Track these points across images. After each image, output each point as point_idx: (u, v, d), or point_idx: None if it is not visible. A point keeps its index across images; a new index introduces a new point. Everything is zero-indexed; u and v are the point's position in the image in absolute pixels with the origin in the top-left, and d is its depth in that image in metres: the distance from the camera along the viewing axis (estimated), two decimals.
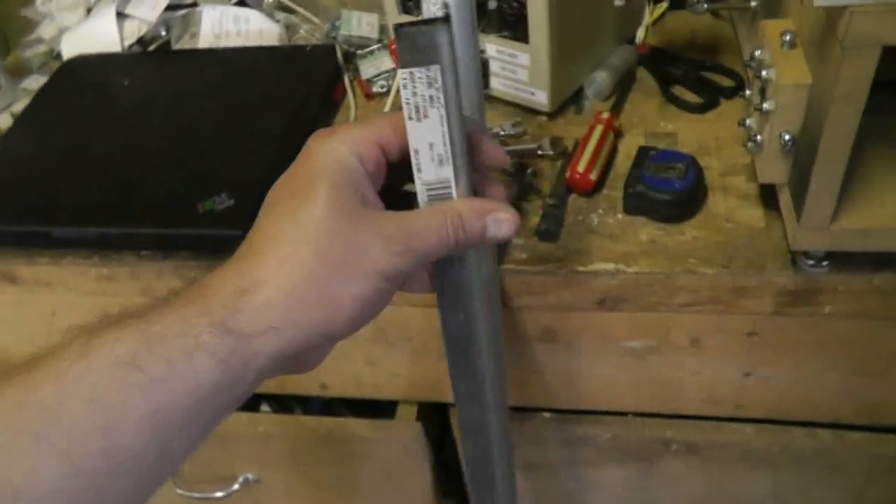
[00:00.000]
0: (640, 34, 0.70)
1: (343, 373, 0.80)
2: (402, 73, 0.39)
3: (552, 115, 0.78)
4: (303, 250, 0.37)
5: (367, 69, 0.88)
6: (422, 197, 0.42)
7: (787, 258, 0.63)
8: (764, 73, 0.59)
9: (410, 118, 0.40)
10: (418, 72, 0.39)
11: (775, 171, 0.61)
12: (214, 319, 0.35)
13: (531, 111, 0.78)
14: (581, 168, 0.69)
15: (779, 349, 0.68)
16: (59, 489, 0.31)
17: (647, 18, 0.69)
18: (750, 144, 0.62)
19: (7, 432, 0.31)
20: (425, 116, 0.40)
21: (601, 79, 0.77)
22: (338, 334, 0.39)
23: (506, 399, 0.64)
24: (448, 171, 0.41)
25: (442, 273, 0.47)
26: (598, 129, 0.72)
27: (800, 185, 0.58)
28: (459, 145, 0.41)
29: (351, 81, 0.89)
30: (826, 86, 0.53)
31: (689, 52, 0.83)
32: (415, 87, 0.39)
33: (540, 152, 0.74)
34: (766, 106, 0.59)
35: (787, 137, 0.58)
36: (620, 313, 0.66)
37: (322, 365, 0.77)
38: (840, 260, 0.61)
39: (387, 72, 0.88)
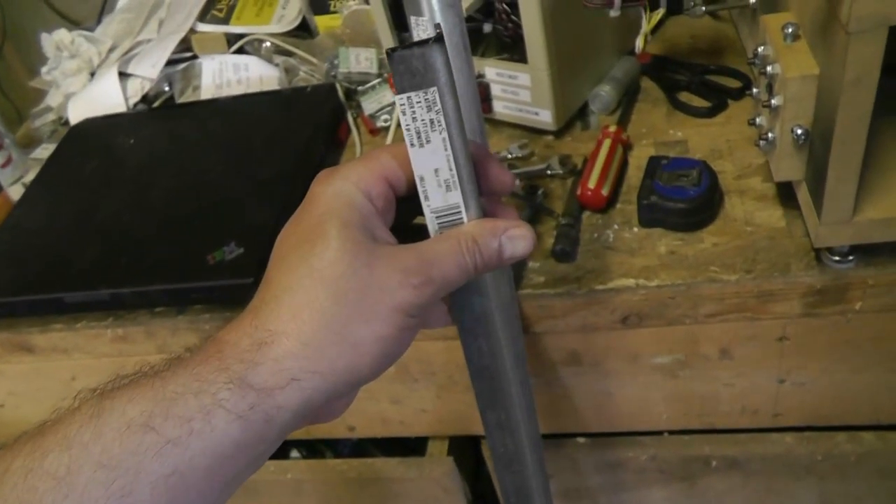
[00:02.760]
0: (639, 43, 0.69)
1: (369, 413, 0.78)
2: (399, 99, 0.38)
3: (559, 134, 0.77)
4: (319, 296, 0.35)
5: (369, 105, 0.88)
6: (432, 226, 0.40)
7: (811, 257, 0.61)
8: (769, 68, 0.58)
9: (413, 145, 0.38)
10: (416, 95, 0.38)
11: (790, 167, 0.59)
12: (232, 375, 0.34)
13: (537, 131, 0.77)
14: (592, 184, 0.67)
15: (811, 352, 0.66)
16: None
17: (645, 27, 0.68)
18: (762, 143, 0.60)
19: None
20: (427, 142, 0.38)
21: (605, 92, 0.76)
22: (363, 379, 0.37)
23: (537, 426, 0.62)
24: (457, 197, 0.40)
25: (460, 303, 0.46)
26: (607, 144, 0.70)
27: (817, 180, 0.57)
28: (466, 168, 0.39)
29: (354, 119, 0.88)
30: (834, 74, 0.51)
31: (693, 57, 0.82)
32: (414, 112, 0.38)
33: (549, 172, 0.72)
34: (774, 102, 0.57)
35: (799, 131, 0.56)
36: (645, 329, 0.64)
37: (351, 405, 0.77)
38: (866, 253, 0.59)
39: (389, 105, 0.87)
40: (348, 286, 0.36)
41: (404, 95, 0.37)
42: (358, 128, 0.87)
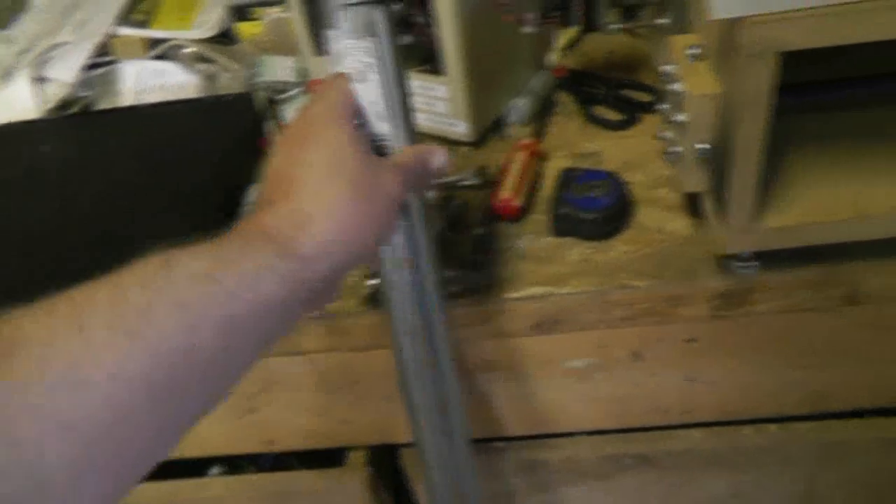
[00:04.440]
0: (552, 59, 0.71)
1: (290, 426, 0.78)
2: (346, 44, 0.49)
3: (476, 145, 0.78)
4: (341, 184, 0.44)
5: (290, 113, 0.88)
6: (371, 146, 0.49)
7: (717, 263, 0.64)
8: (675, 86, 0.61)
9: (355, 81, 0.50)
10: (359, 43, 0.49)
11: (696, 179, 0.62)
12: (279, 248, 0.41)
13: (455, 142, 0.79)
14: (505, 195, 0.69)
15: (719, 352, 0.69)
16: (150, 379, 0.35)
17: (559, 43, 0.70)
18: (669, 156, 0.63)
19: (106, 330, 0.35)
20: (366, 80, 0.50)
21: (521, 104, 0.78)
22: (367, 255, 0.46)
23: (467, 424, 0.64)
24: (387, 127, 0.50)
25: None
26: (521, 155, 0.72)
27: (720, 191, 0.60)
28: (396, 105, 0.50)
29: (276, 128, 0.88)
30: (734, 94, 0.54)
31: (608, 72, 0.84)
32: (357, 55, 0.49)
33: (465, 183, 0.74)
34: (679, 118, 0.60)
35: (702, 146, 0.59)
36: (559, 335, 0.66)
37: (269, 419, 0.77)
38: (769, 258, 0.62)
39: None
40: (362, 177, 0.45)
41: (350, 42, 0.49)
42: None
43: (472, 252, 0.67)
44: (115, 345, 0.34)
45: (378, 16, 0.49)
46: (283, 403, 0.76)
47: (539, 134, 0.77)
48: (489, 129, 0.79)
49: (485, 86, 0.75)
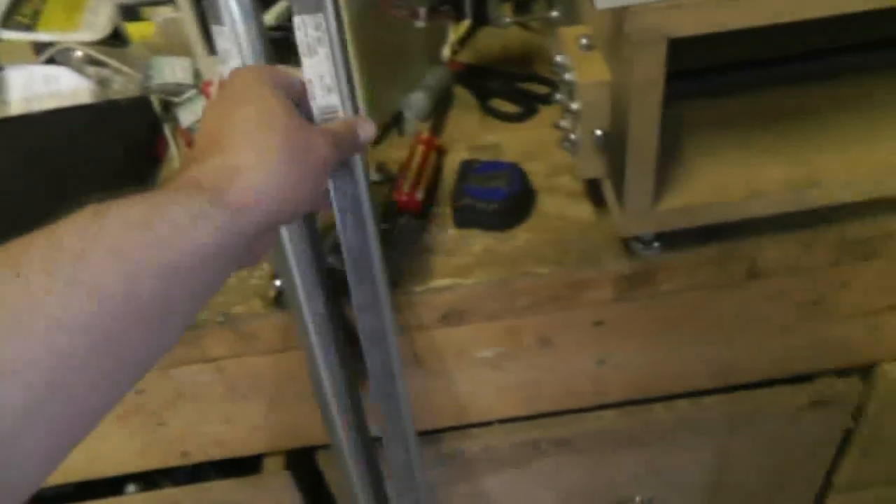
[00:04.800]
0: (445, 53, 0.71)
1: (203, 436, 0.76)
2: (295, 19, 0.51)
3: (376, 142, 0.78)
4: (275, 141, 0.44)
5: (186, 116, 0.86)
6: (318, 119, 0.52)
7: (619, 246, 0.65)
8: (567, 76, 0.62)
9: (304, 55, 0.52)
10: (308, 18, 0.51)
11: (593, 166, 0.64)
12: (212, 197, 0.41)
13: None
14: (407, 189, 0.69)
15: (626, 333, 0.71)
16: (91, 325, 0.35)
17: (452, 37, 0.71)
18: (566, 144, 0.64)
19: (43, 275, 0.34)
20: (315, 53, 0.52)
21: (418, 99, 0.78)
22: (299, 212, 0.47)
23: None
24: (335, 98, 0.53)
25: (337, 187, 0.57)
26: (420, 150, 0.73)
27: (618, 176, 0.61)
28: (343, 78, 0.53)
29: (172, 132, 0.86)
30: (624, 81, 0.56)
31: (505, 66, 0.85)
32: (306, 30, 0.51)
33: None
34: (574, 106, 0.61)
35: (597, 133, 0.61)
36: (466, 326, 0.67)
37: (180, 431, 0.75)
38: (670, 239, 0.64)
39: None
40: (294, 135, 0.45)
41: (300, 17, 0.51)
42: (176, 141, 0.85)
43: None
44: (53, 290, 0.34)
45: None
46: (194, 414, 0.74)
47: (438, 128, 0.78)
48: (388, 125, 0.79)
49: (381, 81, 0.75)
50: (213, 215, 0.41)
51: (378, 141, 0.78)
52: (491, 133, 0.78)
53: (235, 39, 0.55)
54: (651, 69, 0.53)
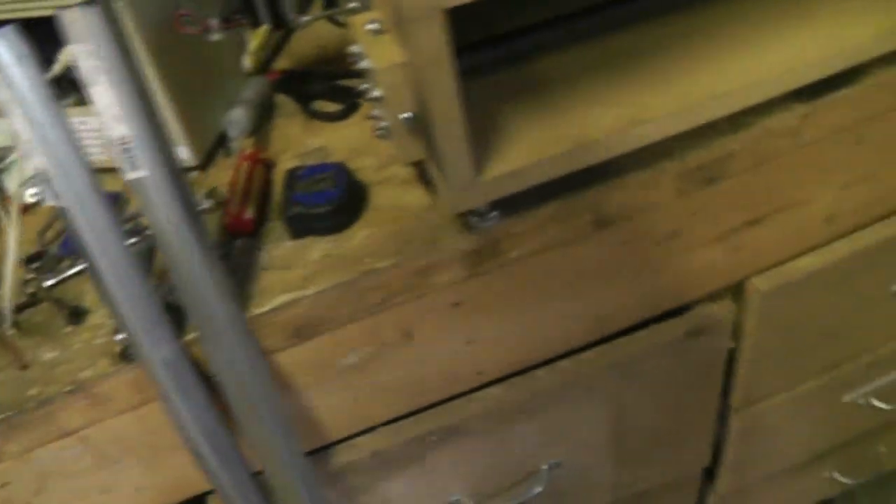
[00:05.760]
0: (246, 63, 0.69)
1: None
2: (67, 51, 0.50)
3: (203, 167, 0.75)
4: None
5: (11, 181, 0.81)
6: (115, 152, 0.52)
7: (459, 223, 0.64)
8: (364, 63, 0.60)
9: (88, 86, 0.50)
10: (81, 48, 0.50)
11: (410, 149, 0.63)
12: None
13: (182, 169, 0.75)
14: (235, 210, 0.67)
15: (488, 307, 0.70)
16: None
17: (252, 44, 0.69)
18: (380, 132, 0.63)
19: None
20: (97, 83, 0.50)
21: (238, 116, 0.76)
22: None
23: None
24: (126, 128, 0.51)
25: None
26: (245, 167, 0.70)
27: (436, 154, 0.60)
28: (136, 107, 0.51)
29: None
30: (415, 59, 0.55)
31: (323, 66, 0.84)
32: (82, 60, 0.50)
33: (199, 209, 0.71)
34: (376, 93, 0.60)
35: (405, 115, 0.60)
36: (322, 336, 0.65)
37: None
38: (508, 205, 0.64)
39: (34, 177, 0.81)
40: None
41: (72, 47, 0.50)
42: (5, 210, 0.80)
43: None
44: None
45: (93, 17, 0.49)
46: (68, 493, 0.70)
47: (263, 141, 0.75)
48: (214, 148, 0.77)
49: (194, 105, 0.72)
50: None
51: (205, 165, 0.75)
52: (317, 136, 0.76)
53: (10, 86, 0.51)
54: (434, 42, 0.53)
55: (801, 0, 0.71)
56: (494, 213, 0.64)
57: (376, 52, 0.59)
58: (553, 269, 0.69)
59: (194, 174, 0.75)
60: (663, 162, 0.67)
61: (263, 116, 0.78)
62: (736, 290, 0.83)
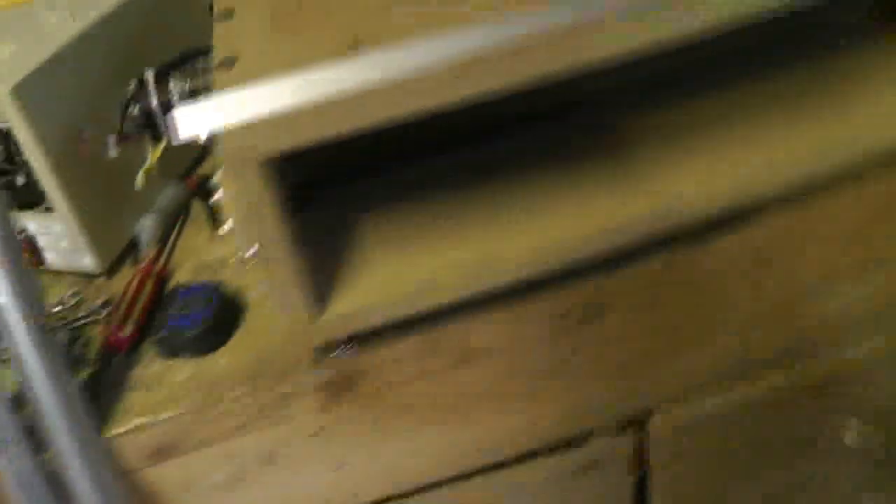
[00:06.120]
0: (139, 180, 0.70)
1: None
2: None
3: (109, 274, 0.78)
4: None
5: None
6: None
7: (318, 352, 0.64)
8: (218, 194, 0.62)
9: None
10: None
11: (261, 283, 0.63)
12: None
13: (88, 275, 0.78)
14: (113, 327, 0.68)
15: (354, 434, 0.69)
16: None
17: (149, 160, 0.71)
18: (238, 259, 0.64)
19: None
20: None
21: (147, 224, 0.78)
22: None
23: None
24: None
25: None
26: (137, 279, 0.72)
27: (271, 292, 0.60)
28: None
29: None
30: (238, 202, 0.55)
31: None
32: None
33: (93, 319, 0.73)
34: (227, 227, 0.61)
35: (252, 250, 0.60)
36: (184, 457, 0.65)
37: None
38: (363, 339, 0.64)
39: None
40: None
41: None
42: None
43: (84, 391, 0.65)
44: None
45: None
46: None
47: (162, 251, 0.77)
48: (125, 255, 0.79)
49: (104, 214, 0.75)
50: None
51: (111, 272, 0.78)
52: (219, 247, 0.77)
53: None
54: (254, 189, 0.53)
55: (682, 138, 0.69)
56: (352, 346, 0.64)
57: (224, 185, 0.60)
58: (419, 399, 0.69)
59: (101, 281, 0.77)
60: (534, 297, 0.65)
61: (174, 225, 0.80)
62: (637, 424, 0.79)
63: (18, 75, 0.68)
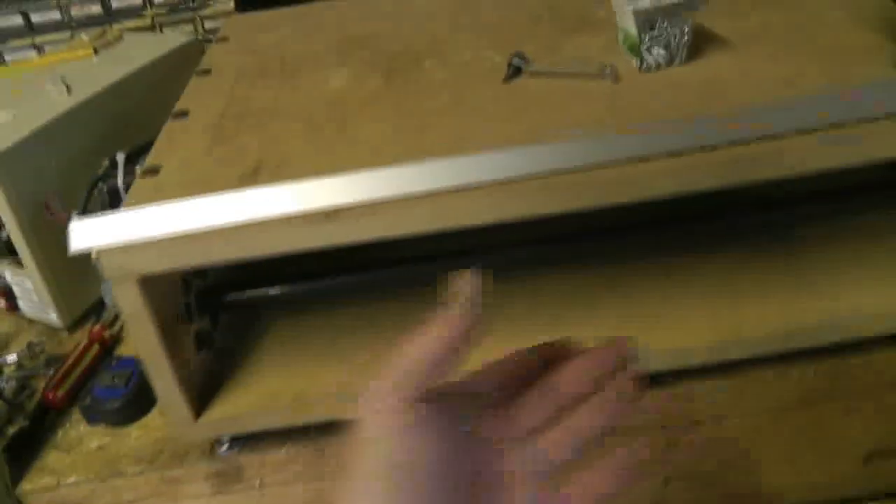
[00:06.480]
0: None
1: None
2: None
3: (71, 330, 0.84)
4: None
5: None
6: None
7: (208, 445, 0.69)
8: None
9: None
10: None
11: None
12: None
13: (55, 329, 0.84)
14: (52, 385, 0.74)
15: None
16: None
17: None
18: None
19: None
20: None
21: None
22: None
23: None
24: None
25: None
26: (83, 343, 0.78)
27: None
28: None
29: None
30: (122, 313, 0.60)
31: None
32: None
33: (42, 373, 0.79)
34: None
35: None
36: None
37: None
38: (249, 438, 0.68)
39: None
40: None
41: None
42: None
43: (11, 442, 0.71)
44: None
45: None
46: None
47: (110, 317, 0.83)
48: (90, 312, 0.85)
49: (70, 275, 0.82)
50: None
51: (73, 328, 0.84)
52: None
53: None
54: (134, 301, 0.58)
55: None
56: (234, 445, 0.69)
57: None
58: (307, 499, 0.71)
59: (64, 334, 0.84)
60: None
61: None
62: None
63: (5, 144, 0.75)
